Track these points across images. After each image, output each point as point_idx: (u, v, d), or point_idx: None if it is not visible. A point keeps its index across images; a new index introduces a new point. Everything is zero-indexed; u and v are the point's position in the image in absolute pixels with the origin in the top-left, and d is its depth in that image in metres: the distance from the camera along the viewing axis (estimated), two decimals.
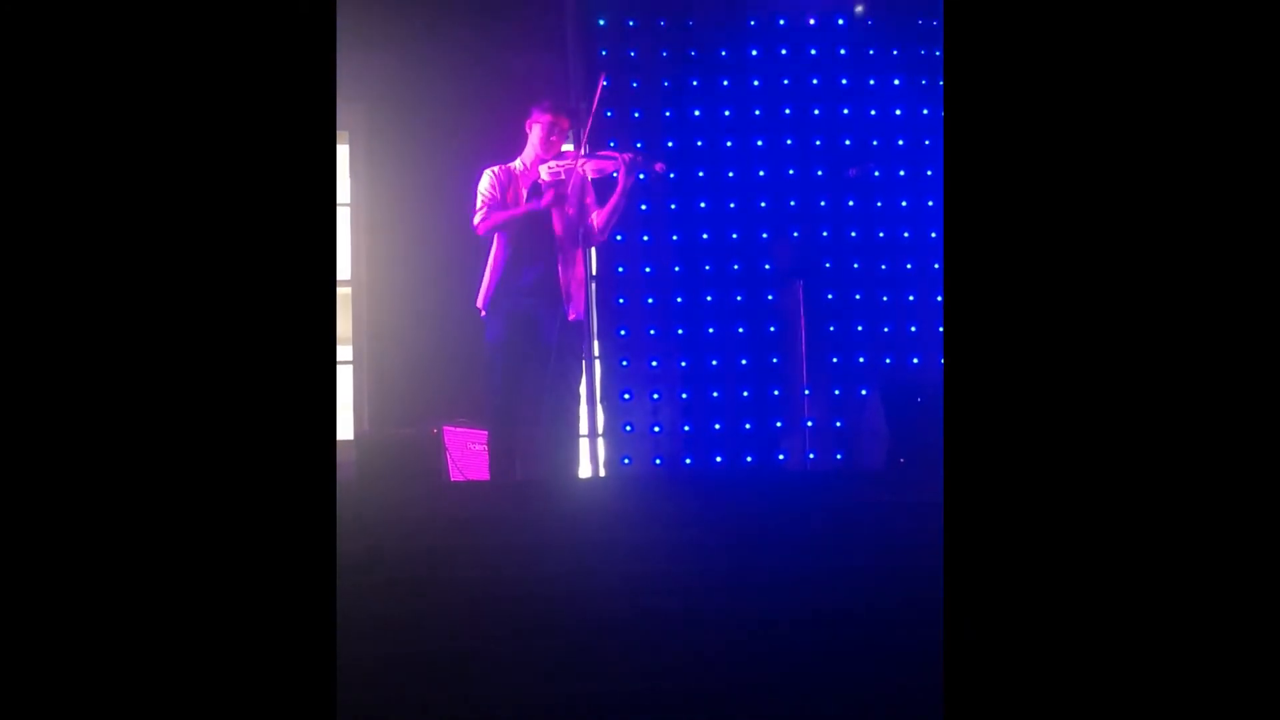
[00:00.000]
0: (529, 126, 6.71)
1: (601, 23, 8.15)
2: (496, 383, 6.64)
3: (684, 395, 7.95)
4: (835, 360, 8.07)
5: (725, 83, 8.20)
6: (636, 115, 8.10)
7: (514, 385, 6.58)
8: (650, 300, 8.02)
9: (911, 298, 8.17)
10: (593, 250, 7.95)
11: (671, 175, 7.68)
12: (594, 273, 8.00)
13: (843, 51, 8.32)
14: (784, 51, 8.28)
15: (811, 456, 7.87)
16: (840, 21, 8.34)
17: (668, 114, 8.14)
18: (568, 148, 6.93)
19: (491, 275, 6.61)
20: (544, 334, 6.56)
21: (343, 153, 8.60)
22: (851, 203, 8.22)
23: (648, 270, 8.04)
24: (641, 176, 7.81)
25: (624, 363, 7.95)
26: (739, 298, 8.06)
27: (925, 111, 8.25)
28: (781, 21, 8.28)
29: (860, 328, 8.13)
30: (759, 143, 8.19)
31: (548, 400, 6.58)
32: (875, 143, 8.27)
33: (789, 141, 8.21)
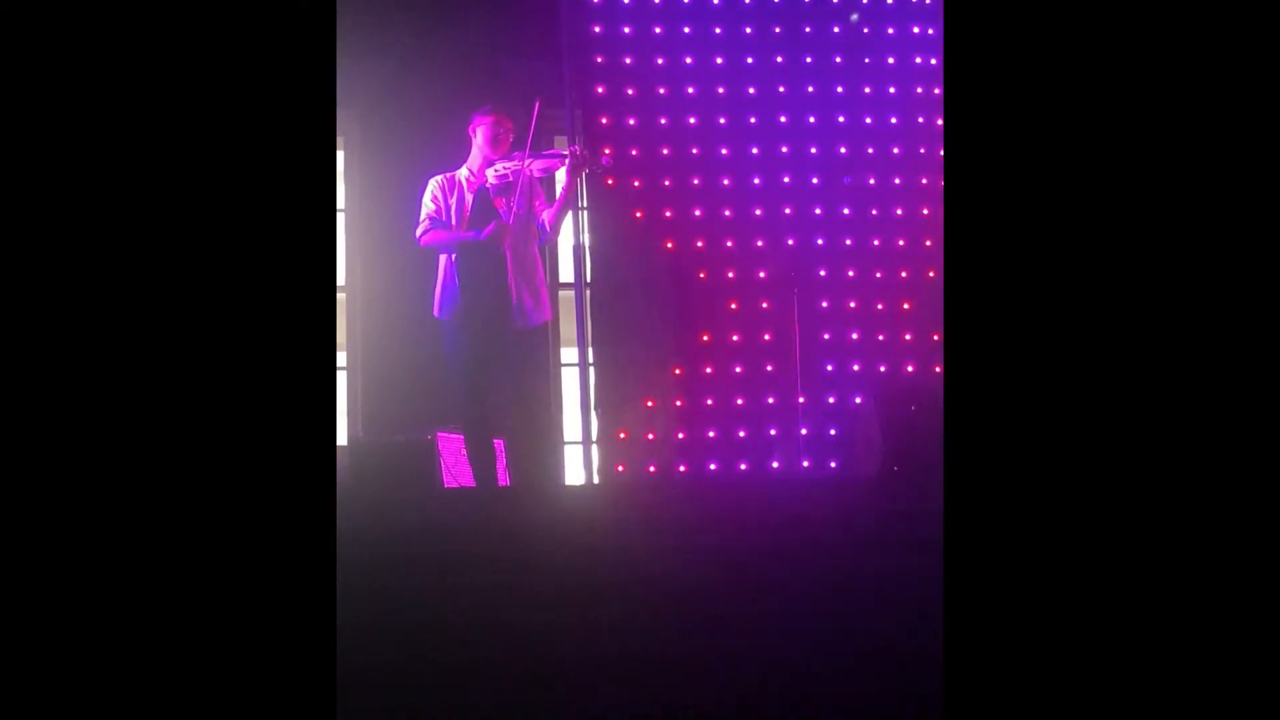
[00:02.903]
0: (472, 131, 6.66)
1: (597, 30, 8.15)
2: (459, 395, 6.61)
3: (678, 403, 7.94)
4: (829, 368, 8.07)
5: (720, 90, 8.20)
6: (632, 122, 8.10)
7: (477, 397, 6.55)
8: (645, 306, 8.00)
9: (906, 305, 8.16)
10: (587, 256, 7.94)
11: (606, 162, 7.42)
12: (589, 279, 7.98)
13: (838, 59, 8.33)
14: (779, 59, 8.28)
15: (805, 464, 7.86)
16: (836, 30, 8.34)
17: (663, 121, 8.14)
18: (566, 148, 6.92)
19: (444, 283, 6.55)
20: (498, 345, 6.50)
21: (337, 159, 8.60)
22: (847, 210, 8.22)
23: (642, 276, 8.02)
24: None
25: (618, 370, 7.93)
26: (733, 305, 8.05)
27: (920, 120, 8.25)
28: (777, 29, 8.28)
29: (855, 336, 8.13)
30: (754, 150, 8.19)
31: (516, 411, 6.55)
32: (871, 150, 8.27)
33: (784, 149, 8.21)
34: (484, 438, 6.64)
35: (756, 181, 8.17)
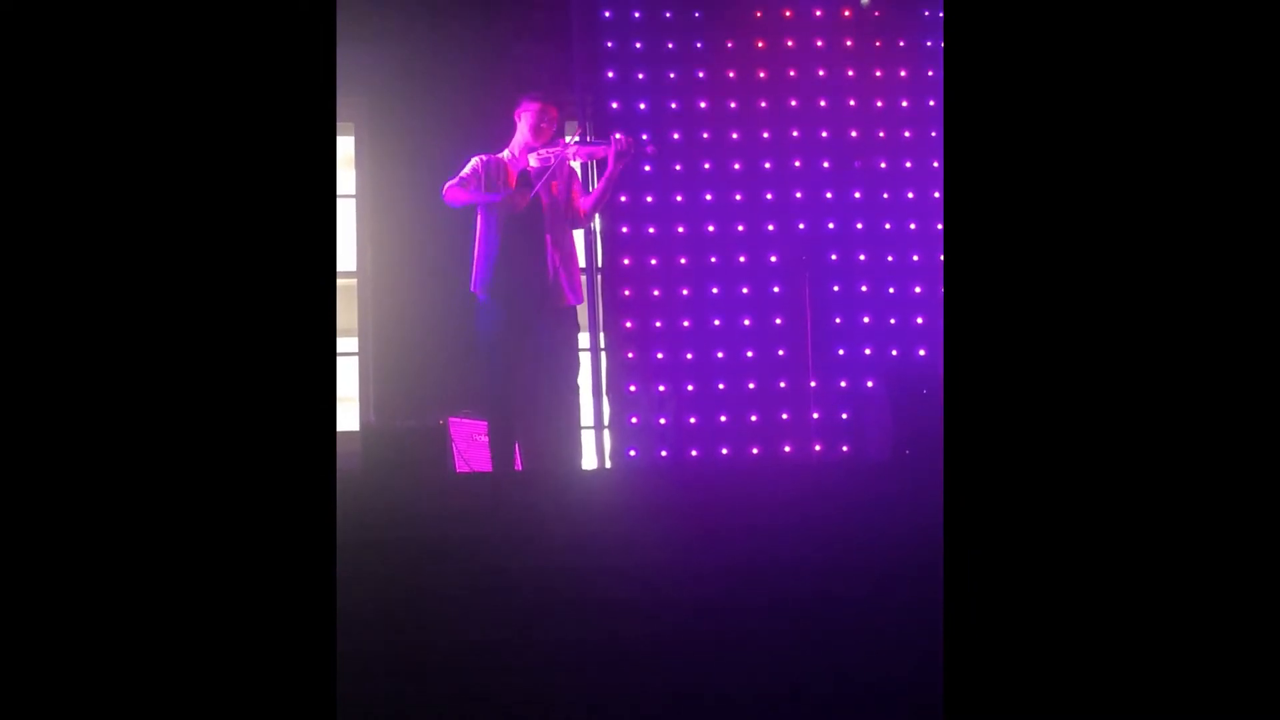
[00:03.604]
0: (518, 116, 6.73)
1: (607, 15, 8.14)
2: (492, 375, 6.65)
3: (690, 387, 7.95)
4: (841, 352, 8.07)
5: (731, 75, 8.19)
6: (642, 107, 8.09)
7: (510, 377, 6.60)
8: (656, 292, 8.00)
9: (918, 289, 8.15)
10: (598, 241, 7.95)
11: (651, 150, 7.54)
12: (599, 264, 7.99)
13: (849, 43, 8.31)
14: (790, 43, 8.26)
15: (817, 448, 7.87)
16: (846, 13, 8.32)
17: (674, 106, 8.13)
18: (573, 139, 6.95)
19: (480, 258, 6.63)
20: (535, 324, 6.57)
21: (347, 144, 8.60)
22: (858, 194, 8.21)
23: (654, 262, 8.03)
24: (647, 169, 7.81)
25: (629, 355, 7.94)
26: (745, 290, 8.05)
27: (931, 103, 8.23)
28: (788, 13, 8.26)
29: (866, 319, 8.12)
30: (765, 135, 8.18)
31: (544, 392, 6.60)
32: (882, 134, 8.26)
33: (795, 133, 8.20)
34: (510, 419, 6.66)
35: (767, 166, 8.16)
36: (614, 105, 8.04)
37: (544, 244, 6.58)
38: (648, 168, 7.85)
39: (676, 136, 8.08)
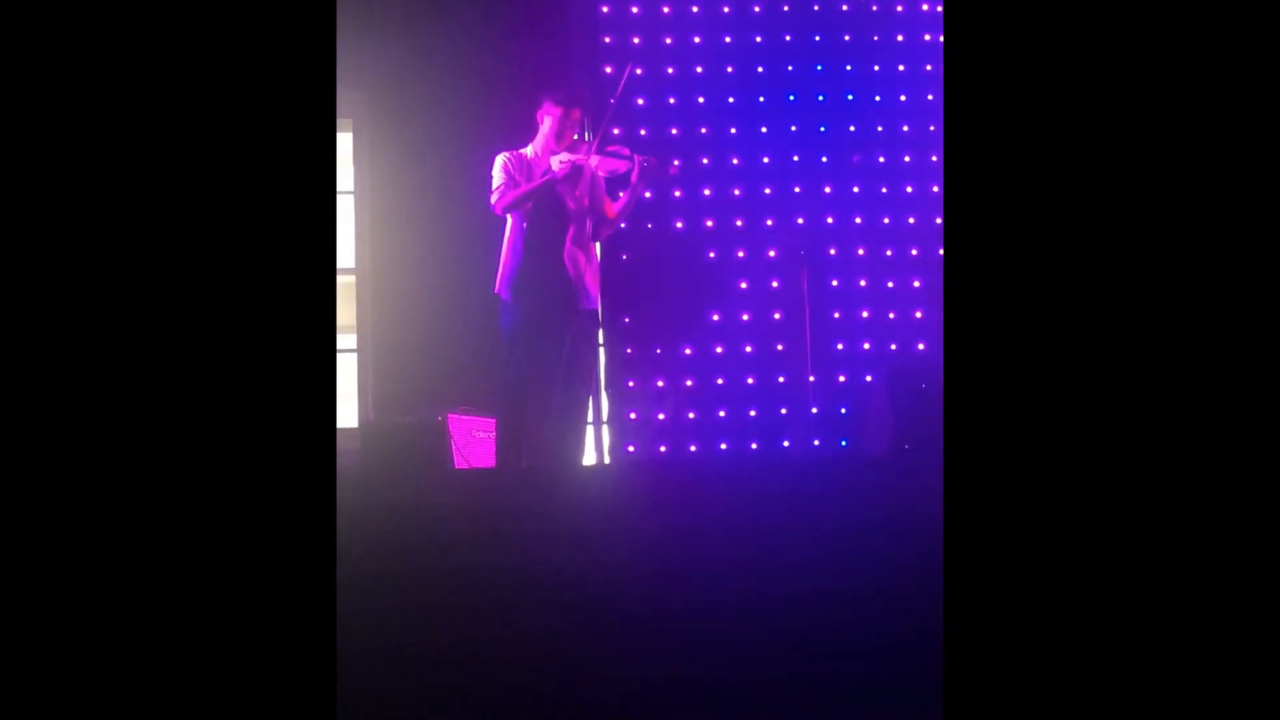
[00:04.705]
0: (540, 117, 6.68)
1: (605, 9, 8.13)
2: (510, 370, 6.65)
3: (688, 382, 7.95)
4: (840, 347, 8.07)
5: (729, 69, 8.19)
6: (640, 102, 8.09)
7: (527, 373, 6.61)
8: (655, 287, 8.00)
9: (916, 284, 8.16)
10: None
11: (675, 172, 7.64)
12: (598, 259, 7.99)
13: (847, 37, 8.30)
14: (788, 38, 8.26)
15: (816, 443, 7.87)
16: (844, 7, 8.31)
17: (672, 100, 8.13)
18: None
19: (507, 260, 6.61)
20: (558, 323, 6.58)
21: (346, 141, 8.60)
22: (856, 189, 8.21)
23: (652, 257, 8.03)
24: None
25: (628, 350, 7.94)
26: (743, 285, 8.06)
27: (930, 97, 8.24)
28: (786, 7, 8.26)
29: (865, 314, 8.13)
30: (763, 129, 8.18)
31: (560, 389, 6.61)
32: (880, 128, 8.26)
33: (793, 128, 8.20)
34: (523, 417, 6.66)
35: (766, 160, 8.16)
36: (611, 100, 8.04)
37: (569, 248, 6.60)
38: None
39: (675, 131, 8.08)
